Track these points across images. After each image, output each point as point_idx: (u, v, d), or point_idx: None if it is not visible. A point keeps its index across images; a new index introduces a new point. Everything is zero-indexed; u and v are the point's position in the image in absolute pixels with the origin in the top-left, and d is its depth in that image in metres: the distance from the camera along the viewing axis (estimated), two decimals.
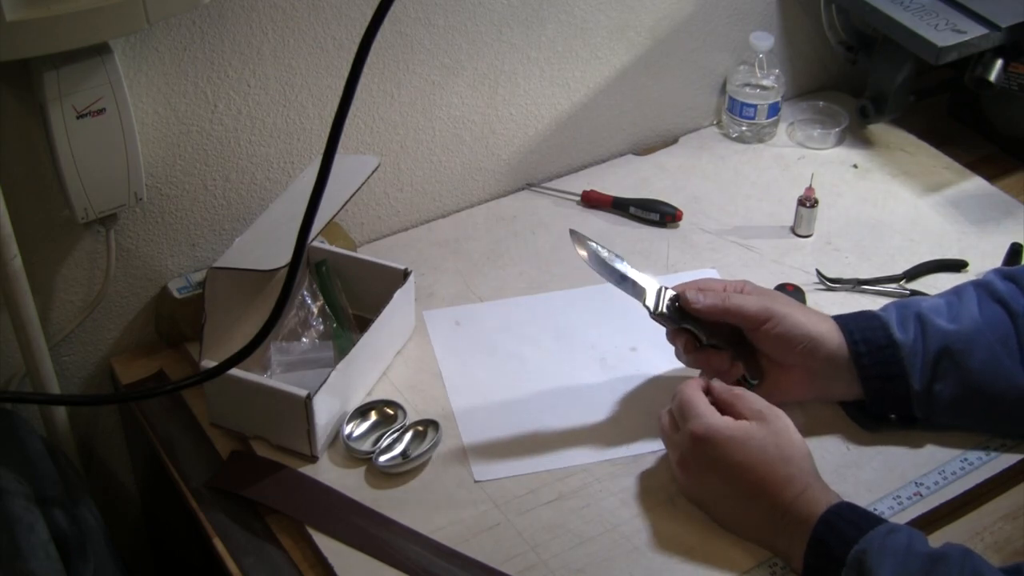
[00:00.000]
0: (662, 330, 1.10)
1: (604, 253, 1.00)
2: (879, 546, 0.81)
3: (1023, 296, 0.98)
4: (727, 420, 0.90)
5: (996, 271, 1.03)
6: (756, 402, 0.92)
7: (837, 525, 0.84)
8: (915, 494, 0.94)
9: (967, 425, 0.99)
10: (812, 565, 0.85)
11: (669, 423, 0.95)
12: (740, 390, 0.93)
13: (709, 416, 0.91)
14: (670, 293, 0.99)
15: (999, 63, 1.25)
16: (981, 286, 1.01)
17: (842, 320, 0.99)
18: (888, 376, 0.96)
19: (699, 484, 0.92)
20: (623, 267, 1.00)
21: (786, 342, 0.96)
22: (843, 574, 0.82)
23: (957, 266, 1.18)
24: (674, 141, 1.40)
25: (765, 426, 0.90)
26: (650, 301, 0.99)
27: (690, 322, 0.98)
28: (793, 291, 1.13)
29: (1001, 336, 0.96)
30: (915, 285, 1.16)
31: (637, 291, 0.99)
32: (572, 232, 1.01)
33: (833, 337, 0.97)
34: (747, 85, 1.35)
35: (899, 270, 1.17)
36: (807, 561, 0.85)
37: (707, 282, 1.00)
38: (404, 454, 0.97)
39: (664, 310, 0.98)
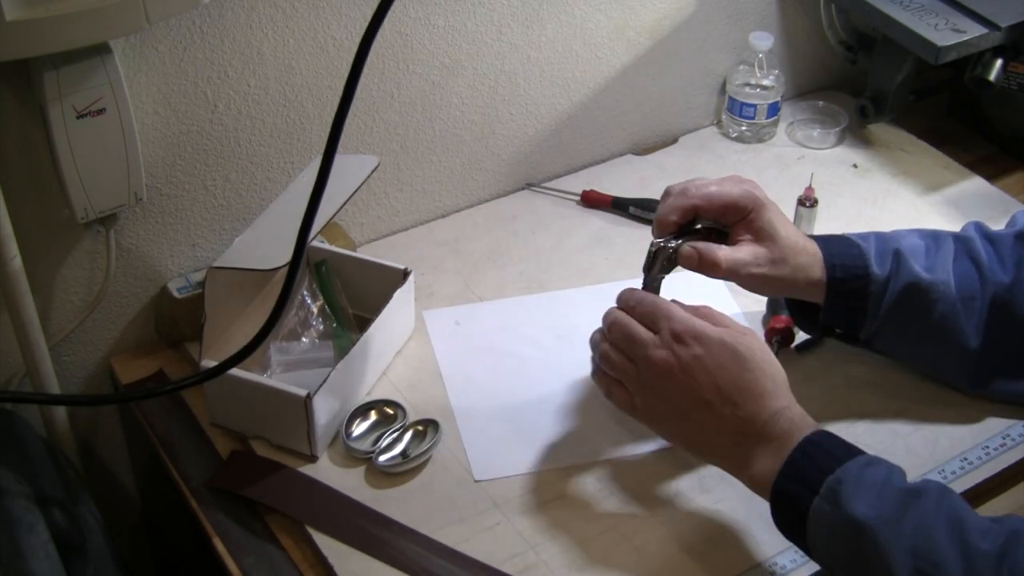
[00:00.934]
0: None
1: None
2: (855, 477, 0.80)
3: (999, 263, 1.00)
4: (708, 323, 0.88)
5: (977, 226, 1.04)
6: (729, 319, 0.90)
7: (813, 453, 0.82)
8: None
9: (902, 359, 1.03)
10: (782, 490, 0.82)
11: (613, 338, 0.91)
12: (707, 306, 0.90)
13: (690, 317, 0.88)
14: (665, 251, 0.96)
15: (999, 63, 1.25)
16: (961, 240, 1.02)
17: (823, 243, 0.99)
18: (853, 304, 0.98)
19: (667, 395, 0.87)
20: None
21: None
22: (815, 503, 0.80)
23: None
24: (674, 141, 1.40)
25: (749, 337, 0.88)
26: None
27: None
28: None
29: (966, 296, 0.98)
30: None
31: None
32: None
33: (813, 257, 0.97)
34: (747, 85, 1.35)
35: None
36: (778, 485, 0.82)
37: (694, 192, 0.96)
38: (404, 454, 0.97)
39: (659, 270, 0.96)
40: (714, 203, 0.95)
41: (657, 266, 0.95)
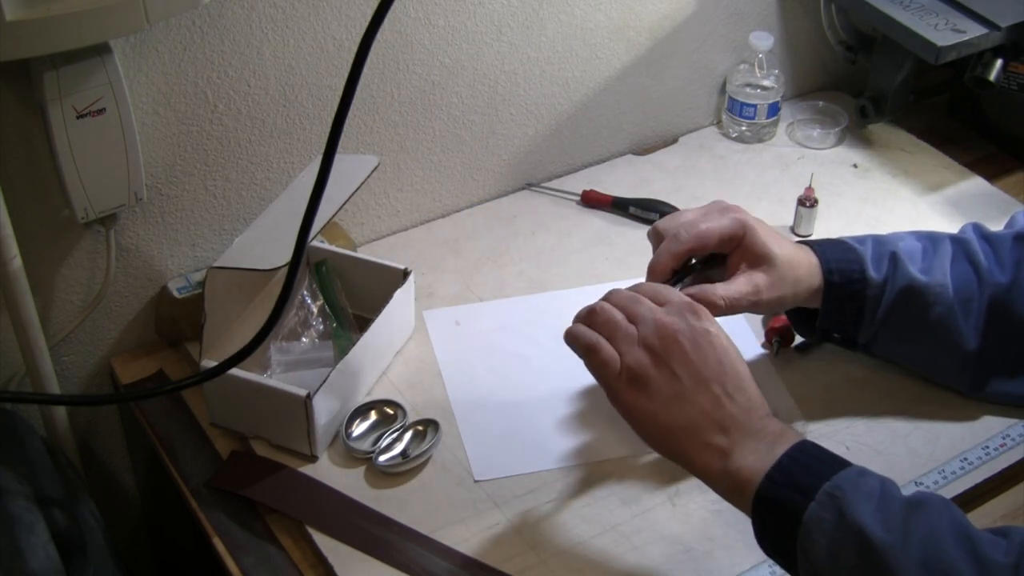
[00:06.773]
0: None
1: None
2: (853, 486, 0.76)
3: (997, 264, 1.00)
4: None
5: (976, 227, 1.04)
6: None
7: (804, 460, 0.78)
8: None
9: (901, 362, 1.03)
10: (769, 496, 0.78)
11: (613, 298, 0.87)
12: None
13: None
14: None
15: (999, 63, 1.25)
16: (959, 242, 1.02)
17: (820, 248, 0.99)
18: (850, 308, 0.99)
19: (665, 361, 0.82)
20: None
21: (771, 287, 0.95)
22: (811, 509, 0.76)
23: None
24: (674, 141, 1.40)
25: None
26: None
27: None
28: None
29: (964, 298, 0.98)
30: None
31: None
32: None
33: (811, 267, 0.97)
34: (747, 85, 1.35)
35: None
36: (764, 491, 0.78)
37: (685, 225, 0.95)
38: (404, 454, 0.97)
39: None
40: (706, 242, 0.94)
41: None
